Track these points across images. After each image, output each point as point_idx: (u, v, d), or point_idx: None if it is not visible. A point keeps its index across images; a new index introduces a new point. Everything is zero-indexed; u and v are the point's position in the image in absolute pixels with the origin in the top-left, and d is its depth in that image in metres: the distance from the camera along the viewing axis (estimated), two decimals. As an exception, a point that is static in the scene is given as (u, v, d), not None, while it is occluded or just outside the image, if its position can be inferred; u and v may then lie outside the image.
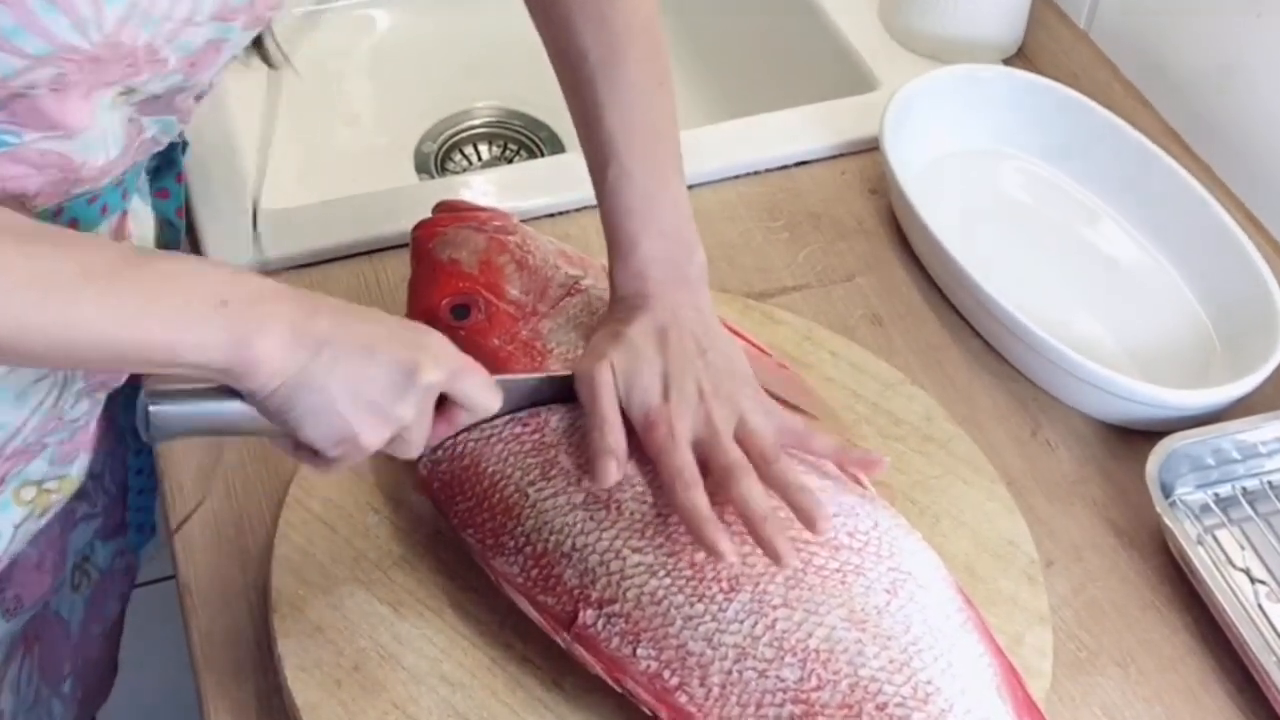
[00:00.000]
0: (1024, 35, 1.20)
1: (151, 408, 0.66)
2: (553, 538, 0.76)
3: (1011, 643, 0.78)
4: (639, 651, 0.72)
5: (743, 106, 1.19)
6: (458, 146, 1.29)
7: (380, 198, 1.03)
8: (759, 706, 0.70)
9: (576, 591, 0.74)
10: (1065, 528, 0.88)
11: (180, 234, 0.89)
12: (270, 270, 0.97)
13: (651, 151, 0.82)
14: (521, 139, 1.30)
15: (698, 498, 0.73)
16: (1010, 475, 0.89)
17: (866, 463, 0.80)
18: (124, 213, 0.79)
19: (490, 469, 0.78)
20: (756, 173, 1.08)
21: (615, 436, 0.75)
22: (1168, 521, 0.84)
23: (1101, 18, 1.19)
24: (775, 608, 0.72)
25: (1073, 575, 0.85)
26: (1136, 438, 0.91)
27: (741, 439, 0.76)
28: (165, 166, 0.86)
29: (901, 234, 1.04)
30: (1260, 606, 0.84)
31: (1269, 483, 0.90)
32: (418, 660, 0.76)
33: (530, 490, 0.77)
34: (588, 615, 0.73)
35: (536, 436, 0.79)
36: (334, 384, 0.65)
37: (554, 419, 0.79)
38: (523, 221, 0.92)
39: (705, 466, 0.75)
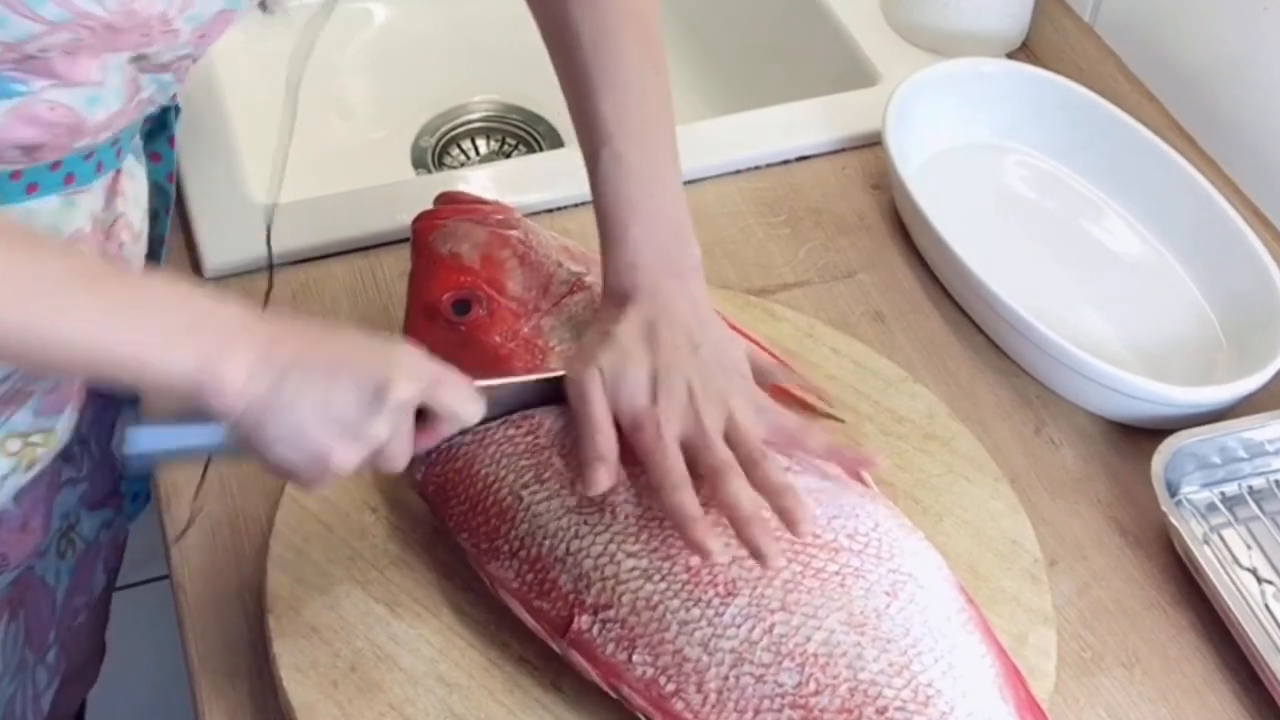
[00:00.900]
0: (1028, 29, 1.19)
1: (130, 428, 0.67)
2: (547, 542, 0.75)
3: (1015, 643, 0.77)
4: (635, 657, 0.71)
5: (743, 101, 1.19)
6: (455, 141, 1.28)
7: (377, 192, 1.02)
8: (757, 712, 0.69)
9: (571, 597, 0.73)
10: (1069, 526, 0.87)
11: (170, 200, 0.89)
12: (267, 265, 0.97)
13: (645, 136, 0.81)
14: (519, 133, 1.29)
15: (685, 498, 0.72)
16: (1014, 473, 0.88)
17: (861, 461, 0.79)
18: (118, 171, 0.79)
19: (484, 472, 0.78)
20: (757, 168, 1.08)
21: (605, 442, 0.74)
22: (1173, 520, 0.83)
23: (1107, 11, 1.18)
24: (773, 612, 0.71)
25: (1077, 574, 0.85)
26: (1141, 435, 0.91)
27: (731, 438, 0.75)
28: (158, 129, 0.87)
29: (904, 229, 1.03)
30: (1267, 606, 0.83)
31: (1276, 481, 0.89)
32: (414, 661, 0.76)
33: (524, 493, 0.76)
34: (583, 621, 0.73)
35: (530, 439, 0.78)
36: (303, 405, 0.65)
37: (548, 421, 0.78)
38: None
39: (695, 467, 0.74)
